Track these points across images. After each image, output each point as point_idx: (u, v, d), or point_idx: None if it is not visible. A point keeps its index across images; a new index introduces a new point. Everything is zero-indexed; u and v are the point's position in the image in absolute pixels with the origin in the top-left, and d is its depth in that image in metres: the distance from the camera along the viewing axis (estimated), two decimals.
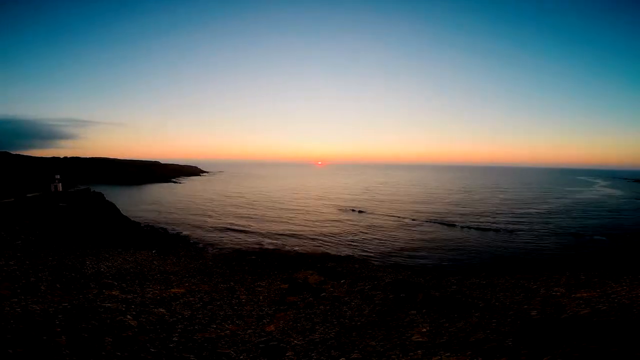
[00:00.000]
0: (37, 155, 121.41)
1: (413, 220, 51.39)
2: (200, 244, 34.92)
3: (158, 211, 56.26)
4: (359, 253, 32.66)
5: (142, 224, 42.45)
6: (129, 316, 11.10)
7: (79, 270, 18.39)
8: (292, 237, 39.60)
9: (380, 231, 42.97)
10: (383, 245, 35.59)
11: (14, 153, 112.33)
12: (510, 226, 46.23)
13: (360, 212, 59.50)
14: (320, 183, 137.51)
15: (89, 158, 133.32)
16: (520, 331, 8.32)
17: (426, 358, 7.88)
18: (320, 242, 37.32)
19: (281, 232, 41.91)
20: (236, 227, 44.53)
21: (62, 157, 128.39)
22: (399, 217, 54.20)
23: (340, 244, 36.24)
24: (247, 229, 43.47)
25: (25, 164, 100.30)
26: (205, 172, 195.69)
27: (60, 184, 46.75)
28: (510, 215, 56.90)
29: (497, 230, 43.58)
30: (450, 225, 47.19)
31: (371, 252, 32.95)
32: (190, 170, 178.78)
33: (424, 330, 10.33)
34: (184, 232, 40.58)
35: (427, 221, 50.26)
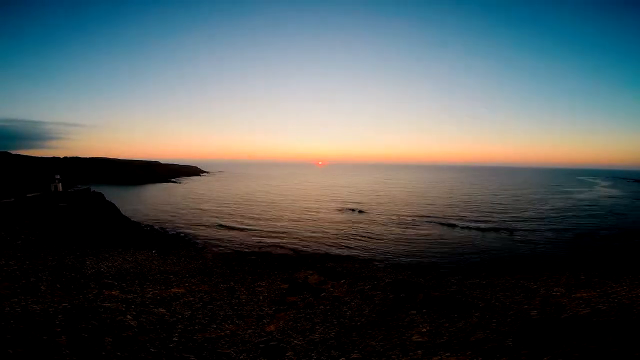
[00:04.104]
0: (36, 155, 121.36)
1: (413, 220, 51.38)
2: (200, 244, 34.90)
3: (158, 211, 56.25)
4: (359, 253, 32.64)
5: (142, 224, 42.44)
6: (129, 316, 11.10)
7: (79, 270, 18.40)
8: (292, 237, 39.59)
9: (381, 231, 42.96)
10: (383, 245, 35.57)
11: (14, 153, 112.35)
12: (510, 226, 46.20)
13: (360, 212, 59.49)
14: (320, 183, 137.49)
15: (89, 158, 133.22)
16: (520, 331, 8.32)
17: (426, 358, 7.88)
18: (320, 242, 37.31)
19: (281, 232, 41.90)
20: (236, 227, 44.52)
21: (62, 157, 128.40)
22: (399, 217, 54.19)
23: (340, 244, 36.23)
24: (247, 229, 43.46)
25: (25, 164, 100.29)
26: (205, 172, 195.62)
27: (60, 184, 46.74)
28: (510, 215, 56.87)
29: (497, 230, 43.56)
30: (450, 225, 47.18)
31: (371, 252, 32.94)
32: (190, 170, 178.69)
33: (424, 330, 10.33)
34: (184, 232, 40.57)
35: (427, 221, 50.25)
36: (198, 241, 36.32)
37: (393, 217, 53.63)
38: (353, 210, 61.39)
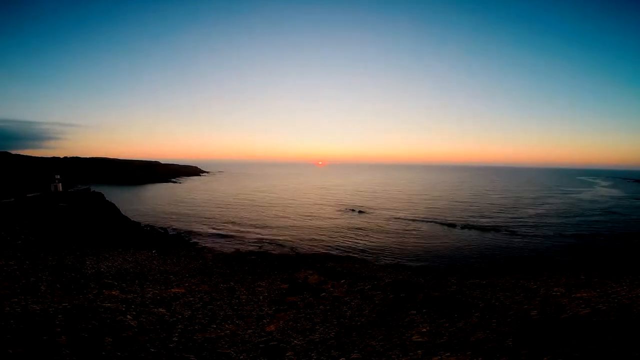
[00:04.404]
0: (35, 155, 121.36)
1: (413, 220, 51.38)
2: (200, 244, 34.90)
3: (158, 211, 56.26)
4: (359, 253, 32.64)
5: (142, 224, 42.45)
6: (129, 316, 11.10)
7: (79, 270, 18.40)
8: (292, 237, 39.59)
9: (380, 231, 42.96)
10: (383, 245, 35.56)
11: (14, 153, 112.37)
12: (510, 226, 46.20)
13: (360, 212, 59.49)
14: (320, 183, 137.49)
15: (89, 158, 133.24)
16: (520, 331, 8.32)
17: (426, 358, 7.88)
18: (320, 242, 37.31)
19: (281, 232, 41.90)
20: (236, 227, 44.52)
21: (62, 157, 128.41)
22: (399, 217, 54.19)
23: (340, 244, 36.23)
24: (247, 229, 43.46)
25: (25, 164, 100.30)
26: (205, 172, 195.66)
27: (60, 184, 46.72)
28: (510, 215, 56.88)
29: (497, 230, 43.55)
30: (450, 225, 47.17)
31: (371, 252, 32.94)
32: (190, 170, 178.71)
33: (424, 330, 10.33)
34: (184, 232, 40.57)
35: (427, 221, 50.25)
36: (198, 241, 36.32)
37: (393, 218, 53.63)
38: (353, 210, 61.38)
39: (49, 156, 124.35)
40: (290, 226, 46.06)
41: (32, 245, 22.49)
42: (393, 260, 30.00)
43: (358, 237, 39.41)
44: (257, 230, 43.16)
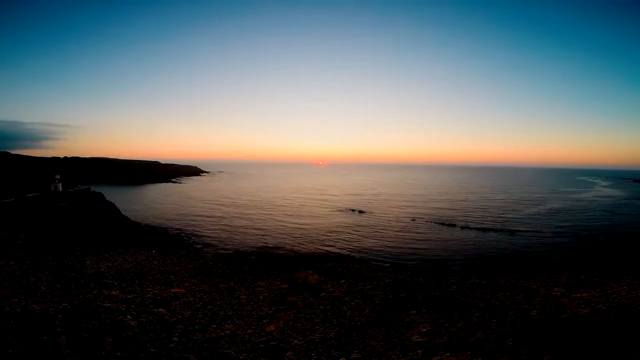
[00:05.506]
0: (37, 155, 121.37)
1: (413, 220, 51.39)
2: (200, 244, 34.92)
3: (158, 211, 56.27)
4: (359, 253, 32.64)
5: (142, 224, 42.45)
6: (129, 316, 11.10)
7: (79, 270, 18.39)
8: (292, 237, 39.60)
9: (381, 231, 42.96)
10: (383, 245, 35.57)
11: (14, 153, 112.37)
12: (510, 226, 46.21)
13: (360, 212, 59.50)
14: (320, 183, 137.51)
15: (89, 158, 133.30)
16: (520, 331, 8.32)
17: (426, 358, 7.88)
18: (320, 242, 37.32)
19: (281, 232, 41.91)
20: (236, 227, 44.53)
21: (62, 157, 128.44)
22: (399, 217, 54.21)
23: (341, 244, 36.23)
24: (247, 229, 43.47)
25: (25, 164, 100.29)
26: (205, 172, 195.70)
27: (60, 184, 46.70)
28: (511, 215, 56.89)
29: (497, 230, 43.57)
30: (450, 225, 47.19)
31: (371, 252, 32.94)
32: (190, 170, 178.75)
33: (424, 330, 10.32)
34: (184, 232, 40.57)
35: (427, 221, 50.26)
36: (198, 241, 36.34)
37: (393, 217, 53.64)
38: (353, 210, 61.40)
39: (49, 156, 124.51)
40: (291, 226, 46.07)
41: (32, 245, 22.48)
42: (393, 260, 30.01)
43: (358, 237, 39.42)
44: (257, 230, 43.16)
